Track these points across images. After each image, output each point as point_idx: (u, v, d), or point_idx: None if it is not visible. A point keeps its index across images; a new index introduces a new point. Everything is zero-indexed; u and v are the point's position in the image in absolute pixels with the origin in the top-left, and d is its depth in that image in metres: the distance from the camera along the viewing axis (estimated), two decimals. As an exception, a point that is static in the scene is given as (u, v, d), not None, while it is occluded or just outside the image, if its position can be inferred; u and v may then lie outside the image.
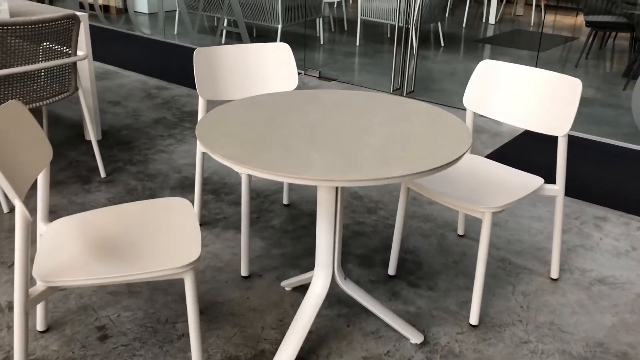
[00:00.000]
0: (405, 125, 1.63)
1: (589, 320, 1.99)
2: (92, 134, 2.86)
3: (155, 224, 1.66)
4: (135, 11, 7.33)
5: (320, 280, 1.77)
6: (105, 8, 7.39)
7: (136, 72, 4.76)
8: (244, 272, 2.18)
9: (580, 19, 7.83)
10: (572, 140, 3.56)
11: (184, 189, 2.84)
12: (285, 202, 2.73)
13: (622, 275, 2.24)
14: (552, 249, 2.37)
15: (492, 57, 5.66)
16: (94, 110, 3.28)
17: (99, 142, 3.34)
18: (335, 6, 7.74)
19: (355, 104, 1.80)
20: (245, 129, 1.56)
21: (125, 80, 4.54)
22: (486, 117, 3.61)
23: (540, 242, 2.45)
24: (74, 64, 2.70)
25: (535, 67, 2.08)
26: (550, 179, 2.99)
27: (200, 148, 2.32)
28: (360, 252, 2.35)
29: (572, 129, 3.72)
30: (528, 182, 1.99)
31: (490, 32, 6.84)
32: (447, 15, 7.84)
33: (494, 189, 1.93)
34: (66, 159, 3.11)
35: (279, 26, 5.36)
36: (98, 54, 5.28)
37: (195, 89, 4.37)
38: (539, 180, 2.00)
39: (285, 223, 2.55)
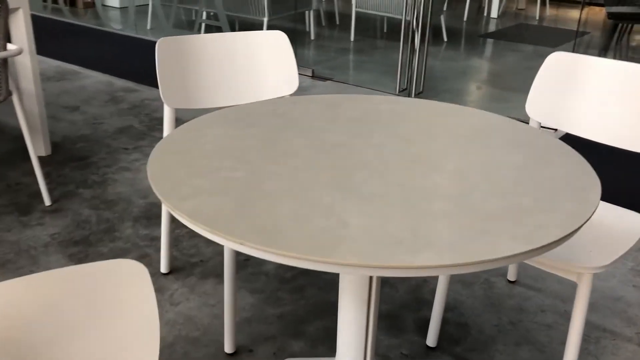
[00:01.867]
0: (484, 153, 1.04)
1: None
2: (31, 150, 2.24)
3: (84, 314, 1.05)
4: (104, 5, 6.66)
5: (344, 384, 1.18)
6: (72, 1, 6.71)
7: (101, 71, 4.12)
8: (228, 347, 1.58)
9: (587, 12, 7.32)
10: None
11: (150, 220, 2.22)
12: (280, 236, 2.13)
13: None
14: None
15: (498, 53, 5.11)
16: (40, 119, 2.65)
17: (48, 158, 2.71)
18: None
19: (396, 118, 1.21)
20: (227, 162, 0.96)
21: (87, 81, 3.89)
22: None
23: (619, 291, 1.88)
24: (4, 61, 2.07)
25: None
26: (610, 197, 2.43)
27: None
28: (386, 308, 1.77)
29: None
30: (632, 223, 1.41)
31: (492, 27, 6.30)
32: (444, 8, 7.28)
33: (590, 236, 1.35)
34: (3, 181, 2.48)
35: (265, 19, 4.75)
36: (57, 52, 4.63)
37: (169, 91, 3.74)
38: (642, 220, 1.43)
39: (283, 268, 1.95)
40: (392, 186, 0.89)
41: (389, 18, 6.25)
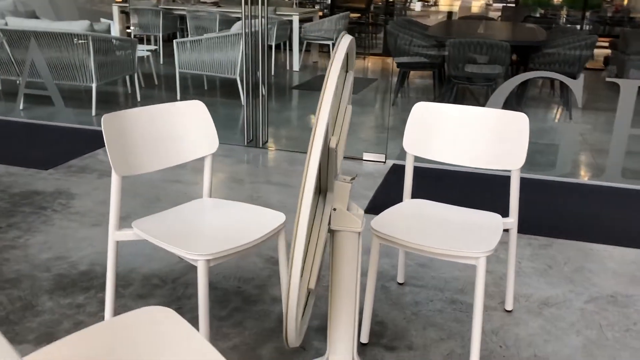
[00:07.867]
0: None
1: (563, 345, 2.03)
2: None
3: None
4: None
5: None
6: None
7: None
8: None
9: (367, 62, 8.53)
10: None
11: (66, 289, 2.26)
12: (200, 283, 2.34)
13: (558, 295, 2.35)
14: (499, 281, 2.41)
15: (312, 101, 5.81)
16: None
17: None
18: (144, 61, 7.24)
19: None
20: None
21: None
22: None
23: (472, 275, 2.47)
24: None
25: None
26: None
27: (115, 236, 1.86)
28: (317, 324, 2.10)
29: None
30: (491, 219, 1.97)
31: (297, 78, 7.05)
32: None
33: (471, 230, 1.87)
34: None
35: (94, 85, 4.79)
36: None
37: (14, 164, 3.62)
38: (498, 216, 2.00)
39: (215, 309, 2.17)
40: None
41: (208, 77, 6.61)
